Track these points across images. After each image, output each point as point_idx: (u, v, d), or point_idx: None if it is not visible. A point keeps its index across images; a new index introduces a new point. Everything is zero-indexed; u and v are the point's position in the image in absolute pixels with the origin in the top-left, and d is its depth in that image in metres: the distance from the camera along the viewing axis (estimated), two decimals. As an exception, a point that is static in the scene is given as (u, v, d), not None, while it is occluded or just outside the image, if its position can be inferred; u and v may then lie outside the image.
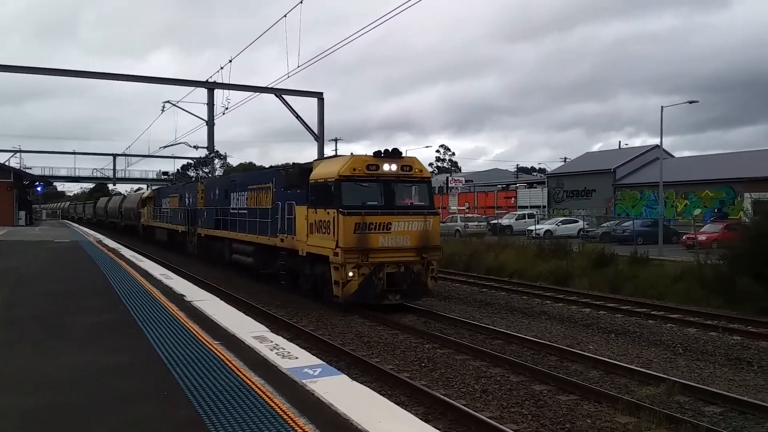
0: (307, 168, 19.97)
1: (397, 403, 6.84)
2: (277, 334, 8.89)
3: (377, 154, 17.45)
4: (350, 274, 16.85)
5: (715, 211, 50.97)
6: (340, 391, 5.63)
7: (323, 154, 39.52)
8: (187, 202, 36.46)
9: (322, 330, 15.19)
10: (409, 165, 17.75)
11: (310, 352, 8.13)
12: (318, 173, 18.47)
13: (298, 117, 44.05)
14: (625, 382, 10.94)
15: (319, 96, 44.72)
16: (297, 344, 8.49)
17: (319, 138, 44.47)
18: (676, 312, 18.50)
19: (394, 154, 17.48)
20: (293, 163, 21.45)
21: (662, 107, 36.22)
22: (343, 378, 6.26)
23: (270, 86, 40.67)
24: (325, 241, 17.57)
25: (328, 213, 17.44)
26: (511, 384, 10.65)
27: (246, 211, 25.45)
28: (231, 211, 27.53)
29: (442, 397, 9.50)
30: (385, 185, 17.55)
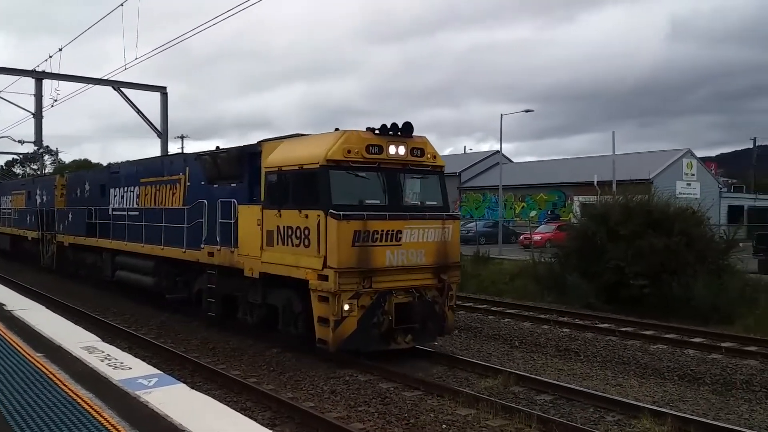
0: (252, 152, 13.80)
1: (243, 410, 8.53)
2: (111, 343, 8.63)
3: (382, 130, 11.71)
4: (346, 307, 11.02)
5: (549, 213, 53.98)
6: (177, 401, 5.38)
7: (167, 152, 34.30)
8: (39, 200, 28.23)
9: (164, 337, 14.40)
10: (420, 148, 12.18)
11: (148, 361, 8.94)
12: (282, 158, 12.40)
13: (138, 112, 39.56)
14: (466, 376, 11.23)
15: (162, 90, 40.49)
16: (135, 354, 8.96)
17: (162, 134, 39.97)
18: (514, 307, 19.16)
19: (406, 131, 11.81)
20: (226, 148, 15.06)
21: (501, 115, 39.21)
22: (181, 387, 5.97)
23: (107, 78, 34.48)
24: (300, 257, 11.60)
25: (306, 216, 11.48)
26: (359, 384, 10.68)
27: (138, 213, 18.56)
28: (113, 212, 20.38)
29: (288, 400, 9.40)
30: (390, 176, 11.89)
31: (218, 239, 14.21)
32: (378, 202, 11.81)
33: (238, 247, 13.49)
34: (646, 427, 8.53)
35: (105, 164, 34.06)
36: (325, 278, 11.05)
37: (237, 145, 14.80)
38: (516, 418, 8.66)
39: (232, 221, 13.76)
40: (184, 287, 16.41)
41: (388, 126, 11.68)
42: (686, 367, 12.06)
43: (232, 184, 14.49)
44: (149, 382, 6.03)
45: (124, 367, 6.74)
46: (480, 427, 8.56)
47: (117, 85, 37.87)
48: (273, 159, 12.62)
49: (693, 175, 53.56)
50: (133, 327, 15.30)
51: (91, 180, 23.25)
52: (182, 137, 73.62)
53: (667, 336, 14.71)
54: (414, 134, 12.10)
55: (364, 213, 11.22)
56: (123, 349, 8.70)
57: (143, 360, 8.15)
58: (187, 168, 16.45)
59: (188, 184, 16.35)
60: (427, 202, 12.47)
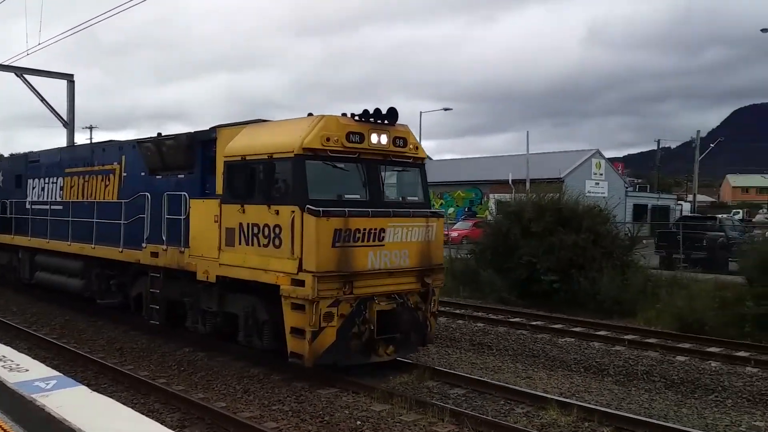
0: (206, 139, 12.17)
1: (150, 411, 8.40)
2: (8, 344, 7.85)
3: (364, 116, 10.36)
4: (325, 316, 9.60)
5: (466, 210, 54.41)
6: (76, 404, 5.02)
7: (74, 143, 32.08)
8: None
9: (67, 337, 13.65)
10: (403, 138, 10.91)
11: (49, 363, 8.54)
12: (246, 145, 10.86)
13: (43, 100, 36.47)
14: (382, 372, 10.82)
15: (69, 78, 37.40)
16: (34, 355, 8.57)
17: (69, 124, 37.24)
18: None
19: (390, 118, 10.50)
20: (173, 134, 13.30)
21: (421, 113, 41.34)
22: (82, 389, 5.56)
23: (9, 64, 31.63)
24: (269, 259, 10.13)
25: (277, 212, 10.02)
26: (273, 382, 10.44)
27: (63, 207, 16.47)
28: (32, 206, 18.07)
29: (198, 401, 9.16)
30: (371, 168, 10.57)
31: (164, 238, 12.48)
32: (358, 197, 10.47)
33: (190, 247, 11.83)
34: (552, 418, 8.79)
35: (7, 155, 31.01)
36: (301, 283, 9.62)
37: (183, 131, 13.12)
38: (429, 412, 8.77)
39: (182, 217, 12.08)
40: (119, 291, 14.52)
41: (371, 112, 10.33)
42: (592, 359, 12.36)
43: (180, 176, 12.81)
44: (47, 384, 5.69)
45: (21, 369, 6.33)
46: (394, 422, 8.60)
47: (20, 72, 34.77)
48: (234, 147, 11.04)
49: (601, 174, 54.61)
50: (34, 327, 14.44)
51: (5, 170, 20.70)
52: (91, 128, 69.26)
53: (575, 329, 15.06)
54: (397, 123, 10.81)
55: (346, 209, 9.85)
56: (22, 351, 8.06)
57: (43, 361, 7.61)
58: (123, 157, 14.56)
59: (124, 174, 14.48)
60: (409, 198, 11.21)
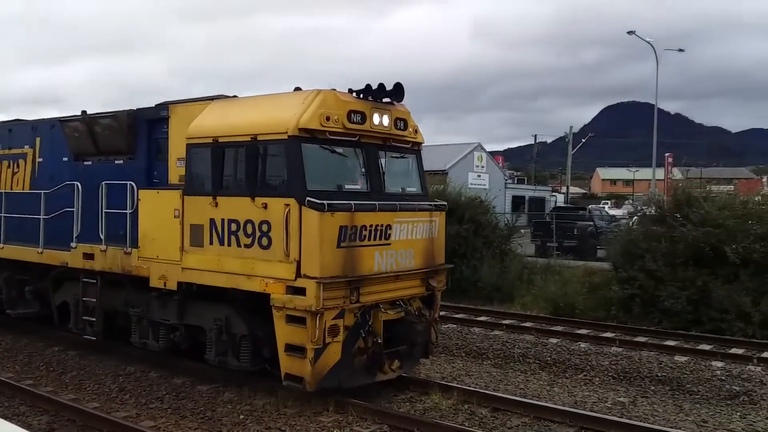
0: (153, 117, 10.15)
1: (15, 415, 8.18)
2: None
3: (366, 93, 8.74)
4: (330, 330, 7.97)
5: None
6: None
7: None
8: None
9: None
10: (404, 119, 9.39)
11: None
12: (218, 125, 8.96)
13: None
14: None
15: None
16: None
17: None
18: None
19: (397, 94, 8.92)
20: (108, 112, 11.02)
21: None
22: None
23: None
24: (254, 262, 8.36)
25: (265, 206, 8.24)
26: (151, 380, 9.93)
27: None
28: None
29: (68, 402, 8.66)
30: (371, 154, 8.98)
31: (103, 236, 10.28)
32: (358, 187, 8.87)
33: (139, 248, 9.74)
34: (435, 402, 8.89)
35: None
36: (300, 291, 7.92)
37: (117, 109, 10.90)
38: (314, 402, 8.57)
39: (128, 212, 9.95)
40: (36, 300, 12.04)
41: (374, 88, 8.72)
42: (472, 344, 12.56)
43: (118, 161, 10.68)
44: None
45: None
46: (278, 414, 8.42)
47: None
48: (202, 126, 9.08)
49: (483, 167, 55.50)
50: None
51: None
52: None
53: (457, 316, 15.26)
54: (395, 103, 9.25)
55: (351, 203, 8.22)
56: None
57: None
58: (38, 139, 12.09)
59: (39, 160, 12.02)
60: (408, 189, 9.71)
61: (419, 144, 9.78)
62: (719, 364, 11.30)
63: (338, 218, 8.00)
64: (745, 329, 13.32)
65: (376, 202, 8.54)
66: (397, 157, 9.46)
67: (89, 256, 10.51)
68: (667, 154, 53.60)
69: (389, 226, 8.64)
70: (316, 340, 7.85)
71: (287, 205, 8.03)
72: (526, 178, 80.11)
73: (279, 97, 8.85)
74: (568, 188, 64.95)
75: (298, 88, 8.85)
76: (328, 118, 8.22)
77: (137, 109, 10.52)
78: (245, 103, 9.17)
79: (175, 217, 9.22)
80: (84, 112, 11.41)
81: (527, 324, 14.38)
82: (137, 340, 10.21)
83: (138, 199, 9.81)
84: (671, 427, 8.35)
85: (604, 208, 46.30)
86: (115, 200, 10.14)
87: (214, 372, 9.64)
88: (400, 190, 9.50)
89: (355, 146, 8.74)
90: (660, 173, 47.64)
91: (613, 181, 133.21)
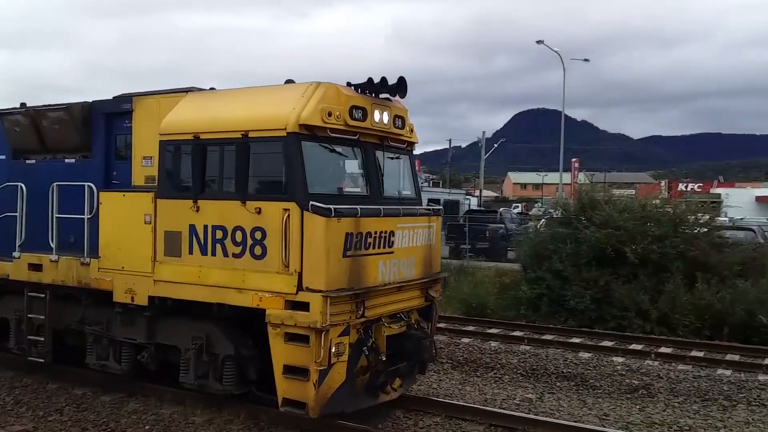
0: (112, 111, 9.02)
1: None
2: None
3: (368, 87, 7.95)
4: (335, 349, 7.15)
5: None
6: None
7: None
8: None
9: None
10: (402, 117, 8.66)
11: None
12: (199, 119, 7.96)
13: None
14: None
15: None
16: None
17: None
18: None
19: (401, 90, 8.16)
20: (57, 104, 9.70)
21: None
22: None
23: None
24: (245, 273, 7.44)
25: (259, 211, 7.33)
26: (49, 391, 9.41)
27: None
28: None
29: None
30: (369, 154, 8.19)
31: (53, 244, 9.02)
32: (359, 190, 8.08)
33: (100, 257, 8.58)
34: None
35: None
36: (303, 307, 7.05)
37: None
38: (225, 411, 8.32)
39: (86, 217, 8.76)
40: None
41: (374, 82, 7.94)
42: None
43: (69, 160, 9.44)
44: None
45: None
46: (186, 423, 8.14)
47: None
48: (179, 121, 8.05)
49: None
50: None
51: None
52: None
53: None
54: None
55: (357, 207, 7.42)
56: None
57: None
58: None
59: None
60: (404, 192, 8.98)
61: (413, 144, 9.08)
62: (620, 359, 11.72)
63: (344, 224, 7.19)
64: (644, 326, 13.86)
65: (381, 207, 7.78)
66: (393, 158, 8.72)
67: (36, 267, 9.22)
68: (573, 159, 55.38)
69: (392, 233, 7.90)
70: (321, 360, 7.00)
71: (286, 209, 7.15)
72: (441, 182, 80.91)
73: (271, 89, 7.94)
74: (481, 192, 65.93)
75: (290, 81, 7.97)
76: (329, 114, 7.39)
77: (93, 101, 9.31)
78: (230, 96, 8.19)
79: (145, 223, 8.14)
80: (23, 104, 10.08)
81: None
82: (94, 361, 9.01)
83: (98, 203, 8.64)
84: (575, 422, 8.51)
85: (512, 211, 47.12)
86: (69, 204, 8.91)
87: (120, 381, 9.07)
88: (397, 193, 8.76)
89: (354, 145, 7.94)
90: (567, 177, 49.15)
91: (524, 185, 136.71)
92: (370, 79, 7.88)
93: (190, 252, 7.84)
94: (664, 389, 10.16)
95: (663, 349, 12.30)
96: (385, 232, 7.78)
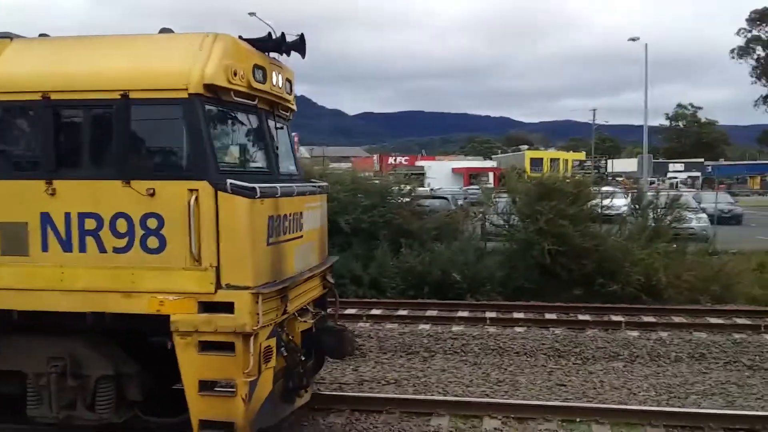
0: None
1: None
2: None
3: (267, 43, 6.68)
4: (264, 351, 6.00)
5: None
6: None
7: None
8: None
9: None
10: (290, 81, 7.50)
11: None
12: (49, 73, 6.01)
13: None
14: None
15: None
16: None
17: None
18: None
19: (302, 49, 6.98)
20: None
21: None
22: None
23: None
24: (134, 272, 5.85)
25: (152, 192, 5.79)
26: None
27: None
28: None
29: None
30: (263, 122, 6.95)
31: None
32: (260, 165, 6.83)
33: None
34: None
35: None
36: (224, 308, 5.73)
37: None
38: None
39: None
40: None
41: (272, 37, 6.71)
42: None
43: None
44: None
45: None
46: None
47: None
48: (11, 76, 5.98)
49: None
50: None
51: None
52: None
53: None
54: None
55: (277, 186, 6.23)
56: None
57: None
58: None
59: None
60: (290, 167, 7.83)
61: (293, 112, 7.98)
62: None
63: (267, 206, 5.98)
64: (357, 291, 14.40)
65: (293, 185, 6.66)
66: (280, 128, 7.54)
67: None
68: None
69: (301, 215, 6.83)
70: (251, 370, 5.76)
71: (193, 190, 5.70)
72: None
73: (151, 39, 6.22)
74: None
75: (166, 29, 6.38)
76: (235, 73, 6.02)
77: None
78: (91, 46, 6.27)
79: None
80: None
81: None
82: None
83: None
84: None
85: None
86: None
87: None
88: (288, 169, 7.61)
89: (250, 112, 6.65)
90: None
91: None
92: (269, 35, 6.63)
93: (44, 248, 5.92)
94: (375, 348, 10.67)
95: (374, 311, 12.83)
96: (298, 214, 6.69)
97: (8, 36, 6.38)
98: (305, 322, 6.89)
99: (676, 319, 12.35)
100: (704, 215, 23.23)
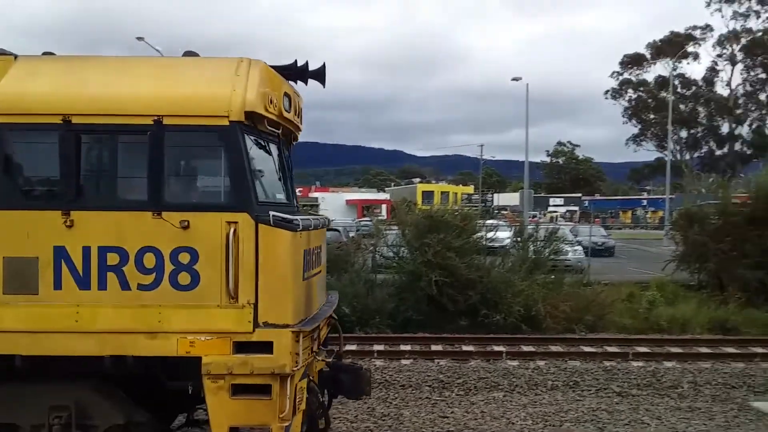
0: None
1: None
2: None
3: (293, 71, 6.47)
4: (298, 397, 5.70)
5: None
6: None
7: None
8: None
9: None
10: (301, 109, 7.29)
11: None
12: (69, 94, 5.51)
13: None
14: None
15: None
16: None
17: None
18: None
19: (322, 79, 6.77)
20: None
21: None
22: None
23: None
24: (162, 311, 5.40)
25: (186, 225, 5.40)
26: None
27: None
28: None
29: None
30: (281, 151, 6.71)
31: None
32: (283, 197, 6.55)
33: None
34: None
35: None
36: (262, 348, 5.40)
37: None
38: None
39: None
40: None
41: (301, 65, 6.50)
42: None
43: None
44: None
45: None
46: None
47: None
48: (30, 96, 5.43)
49: None
50: None
51: None
52: None
53: None
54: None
55: (310, 218, 6.00)
56: None
57: None
58: None
59: None
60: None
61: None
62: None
63: (304, 240, 5.73)
64: None
65: (319, 217, 6.43)
66: (287, 157, 7.28)
67: None
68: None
69: (320, 248, 6.59)
70: (286, 414, 5.43)
71: (232, 223, 5.37)
72: None
73: (183, 62, 5.86)
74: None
75: (191, 53, 6.04)
76: (271, 101, 5.78)
77: None
78: (116, 66, 5.80)
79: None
80: None
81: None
82: None
83: None
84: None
85: None
86: None
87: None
88: (295, 199, 7.34)
89: (273, 141, 6.39)
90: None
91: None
92: (295, 62, 6.43)
93: (58, 286, 5.35)
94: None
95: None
96: (318, 248, 6.45)
97: (10, 53, 5.81)
98: (322, 360, 6.58)
99: (553, 348, 12.96)
100: (580, 247, 24.06)
